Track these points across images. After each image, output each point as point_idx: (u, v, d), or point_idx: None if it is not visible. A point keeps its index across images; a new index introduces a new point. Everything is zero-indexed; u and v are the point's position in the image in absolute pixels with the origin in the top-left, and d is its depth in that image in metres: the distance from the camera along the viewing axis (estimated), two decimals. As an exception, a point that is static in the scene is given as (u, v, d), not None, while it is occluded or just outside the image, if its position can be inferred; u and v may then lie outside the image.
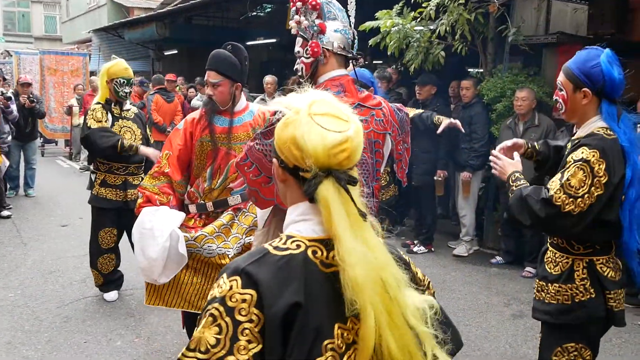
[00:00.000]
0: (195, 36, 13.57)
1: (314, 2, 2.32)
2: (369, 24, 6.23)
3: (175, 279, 3.06)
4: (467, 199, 6.07)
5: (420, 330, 1.22)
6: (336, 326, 1.20)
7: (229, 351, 1.13)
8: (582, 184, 2.16)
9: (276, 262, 1.21)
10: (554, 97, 2.47)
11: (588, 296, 2.34)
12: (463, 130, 4.98)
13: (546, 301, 2.43)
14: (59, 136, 12.93)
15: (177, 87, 10.73)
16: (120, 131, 4.46)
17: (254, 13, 11.15)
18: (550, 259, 2.46)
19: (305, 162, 1.21)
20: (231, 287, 1.17)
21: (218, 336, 1.14)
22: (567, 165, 2.22)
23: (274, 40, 11.82)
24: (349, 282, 1.17)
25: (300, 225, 1.28)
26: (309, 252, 1.23)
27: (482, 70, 6.30)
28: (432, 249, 6.24)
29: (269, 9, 11.78)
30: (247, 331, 1.14)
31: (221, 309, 1.16)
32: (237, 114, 3.16)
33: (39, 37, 31.33)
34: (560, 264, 2.40)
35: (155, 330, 4.10)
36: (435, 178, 6.08)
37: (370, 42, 6.35)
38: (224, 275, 1.20)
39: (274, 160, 1.30)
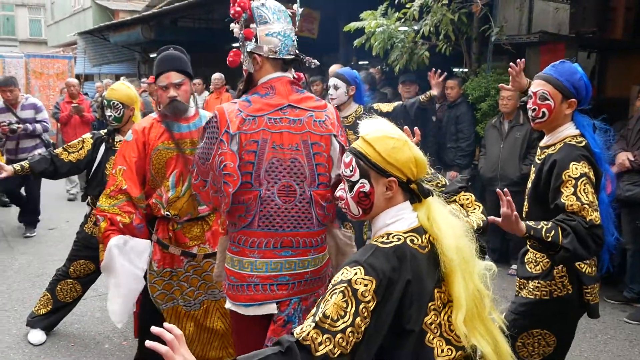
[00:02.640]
0: (181, 38, 13.50)
1: (232, 11, 2.26)
2: (354, 25, 6.28)
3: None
4: (453, 197, 6.11)
5: (483, 291, 1.62)
6: (435, 291, 1.60)
7: (351, 323, 1.45)
8: (592, 195, 2.28)
9: (386, 252, 1.56)
10: (531, 106, 2.51)
11: (565, 292, 2.47)
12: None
13: (524, 296, 2.57)
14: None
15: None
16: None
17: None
18: (530, 260, 2.59)
19: (417, 175, 1.67)
20: (356, 274, 1.50)
21: (346, 310, 1.46)
22: (574, 183, 2.28)
23: (260, 42, 11.80)
24: (445, 250, 1.58)
25: (395, 224, 1.65)
26: (408, 241, 1.60)
27: (466, 69, 6.36)
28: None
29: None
30: (364, 310, 1.47)
31: (349, 289, 1.48)
32: (192, 119, 3.01)
33: (24, 40, 31.07)
34: (540, 263, 2.53)
35: (144, 332, 4.09)
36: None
37: (355, 42, 6.40)
38: (346, 267, 1.53)
39: (391, 179, 1.64)
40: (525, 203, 2.66)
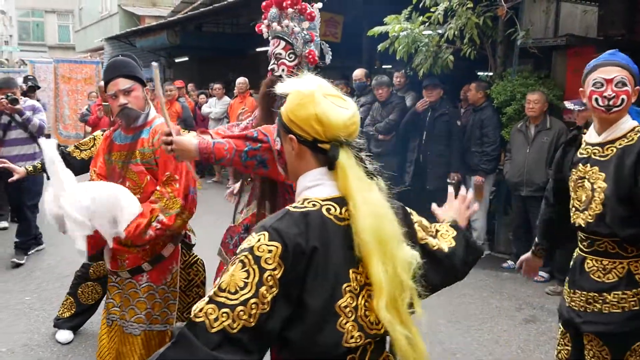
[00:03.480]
0: (206, 43, 13.68)
1: (312, 13, 2.43)
2: (378, 29, 6.27)
3: None
4: (479, 203, 6.05)
5: (404, 280, 1.45)
6: (351, 271, 1.42)
7: (254, 294, 1.30)
8: None
9: (296, 217, 1.40)
10: (608, 94, 2.28)
11: None
12: None
13: (605, 311, 2.32)
14: (72, 143, 13.08)
15: (188, 94, 10.84)
16: None
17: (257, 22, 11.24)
18: (596, 268, 2.37)
19: (325, 135, 1.46)
20: (259, 240, 1.35)
21: (246, 280, 1.31)
22: None
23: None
24: (360, 231, 1.41)
25: (314, 189, 1.49)
26: (324, 210, 1.44)
27: (491, 73, 6.31)
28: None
29: (279, 16, 11.84)
30: (270, 278, 1.32)
31: (250, 257, 1.33)
32: (140, 128, 2.75)
33: (52, 46, 31.76)
34: (613, 271, 2.32)
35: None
36: (448, 181, 6.09)
37: (379, 47, 6.39)
38: (253, 233, 1.38)
39: (290, 136, 1.48)
40: (598, 205, 2.35)
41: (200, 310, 1.30)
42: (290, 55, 2.54)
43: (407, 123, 6.45)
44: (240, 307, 1.29)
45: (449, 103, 6.35)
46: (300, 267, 1.35)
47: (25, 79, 8.70)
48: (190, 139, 2.27)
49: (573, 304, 2.45)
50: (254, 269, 1.32)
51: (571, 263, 2.55)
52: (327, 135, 1.47)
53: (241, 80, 9.20)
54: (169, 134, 2.20)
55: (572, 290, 2.46)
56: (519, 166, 5.46)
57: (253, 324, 1.30)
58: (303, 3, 2.51)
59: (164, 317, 2.78)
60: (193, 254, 2.93)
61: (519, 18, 5.79)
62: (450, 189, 2.02)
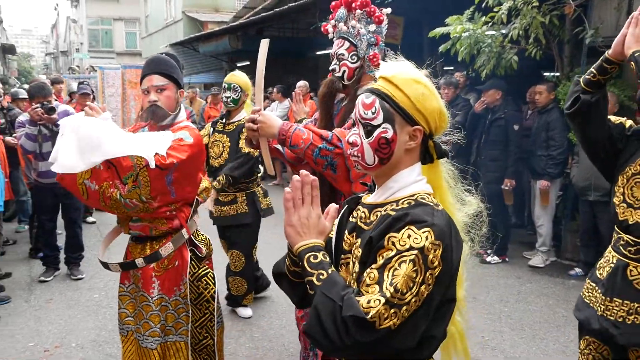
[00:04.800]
0: (267, 47, 13.87)
1: (381, 17, 2.41)
2: (439, 30, 6.18)
3: None
4: (544, 208, 5.86)
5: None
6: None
7: (416, 293, 1.30)
8: None
9: (443, 214, 1.40)
10: None
11: None
12: None
13: None
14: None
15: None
16: (207, 145, 4.31)
17: (324, 22, 11.28)
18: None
19: (438, 130, 1.50)
20: (427, 238, 1.32)
21: (414, 279, 1.30)
22: None
23: (343, 50, 11.93)
24: (458, 225, 1.48)
25: (421, 184, 1.49)
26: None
27: (558, 74, 6.09)
28: (507, 259, 6.07)
29: (338, 19, 11.88)
30: (430, 277, 1.32)
31: (420, 256, 1.31)
32: (171, 126, 2.66)
33: (120, 52, 33.02)
34: None
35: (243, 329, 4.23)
36: (502, 187, 5.93)
37: (441, 48, 6.29)
38: (412, 227, 1.34)
39: (418, 128, 1.46)
40: None
41: (377, 311, 1.27)
42: (353, 57, 2.51)
43: (468, 125, 6.33)
44: (405, 307, 1.29)
45: (510, 105, 6.17)
46: (448, 265, 1.35)
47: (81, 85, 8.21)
48: (276, 119, 2.36)
49: (608, 312, 2.30)
50: (421, 268, 1.31)
51: (606, 267, 2.37)
52: (438, 130, 1.50)
53: (301, 84, 9.27)
54: (257, 111, 2.35)
55: (608, 298, 2.31)
56: (586, 170, 5.24)
57: (406, 318, 1.30)
58: (372, 6, 2.48)
59: (178, 329, 2.71)
60: (204, 266, 2.82)
61: (587, 16, 5.57)
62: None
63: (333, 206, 1.55)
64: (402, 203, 1.43)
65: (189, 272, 2.72)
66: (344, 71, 2.53)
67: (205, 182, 2.89)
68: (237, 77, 4.27)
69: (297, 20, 12.12)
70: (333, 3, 2.58)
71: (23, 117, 5.27)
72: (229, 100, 4.23)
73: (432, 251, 1.31)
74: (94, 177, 2.43)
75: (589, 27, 5.46)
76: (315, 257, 1.40)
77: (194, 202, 2.75)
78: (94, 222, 7.68)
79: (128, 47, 33.59)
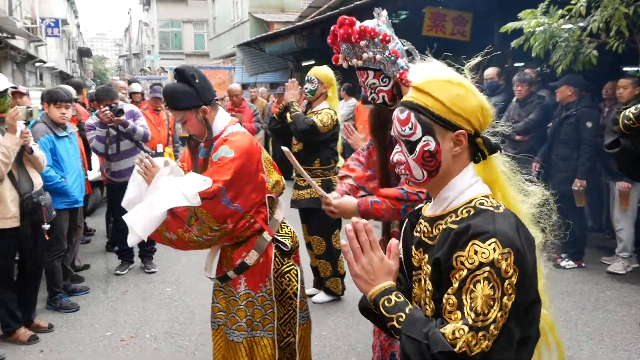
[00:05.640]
0: (331, 47, 13.90)
1: (387, 37, 2.30)
2: (511, 25, 5.98)
3: None
4: (624, 211, 5.56)
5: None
6: None
7: (499, 307, 1.26)
8: None
9: (506, 216, 1.35)
10: None
11: None
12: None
13: None
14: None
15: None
16: None
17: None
18: None
19: (483, 127, 1.44)
20: (495, 250, 1.27)
21: (494, 296, 1.26)
22: None
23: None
24: (525, 218, 1.44)
25: (479, 186, 1.44)
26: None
27: (641, 68, 5.78)
28: (583, 265, 5.79)
29: (403, 16, 11.73)
30: (509, 287, 1.27)
31: (492, 271, 1.26)
32: (214, 140, 2.69)
33: (189, 53, 34.00)
34: None
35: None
36: (573, 188, 5.67)
37: (513, 43, 6.09)
38: (476, 241, 1.28)
39: (461, 132, 1.40)
40: None
41: (464, 341, 1.24)
42: (384, 80, 2.45)
43: (542, 123, 6.12)
44: (492, 325, 1.26)
45: (584, 102, 5.90)
46: (524, 268, 1.30)
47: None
48: (350, 201, 2.49)
49: None
50: (497, 283, 1.26)
51: None
52: (484, 127, 1.44)
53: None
54: (328, 203, 2.49)
55: None
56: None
57: (497, 334, 1.27)
58: (369, 29, 2.32)
59: (265, 324, 2.76)
60: (288, 262, 2.83)
61: (675, 6, 5.24)
62: None
63: (394, 242, 1.48)
64: (462, 212, 1.38)
65: (273, 269, 2.75)
66: (383, 96, 2.48)
67: (275, 175, 2.87)
68: (317, 70, 4.62)
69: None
70: (329, 40, 2.48)
71: (92, 120, 5.47)
72: (306, 91, 4.59)
73: (504, 261, 1.26)
74: (168, 228, 2.57)
75: (677, 18, 5.14)
76: (389, 300, 1.37)
77: (267, 201, 2.75)
78: (165, 218, 7.92)
79: (196, 48, 34.55)
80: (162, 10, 35.41)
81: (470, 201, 1.39)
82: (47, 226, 4.11)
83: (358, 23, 2.36)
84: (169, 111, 7.94)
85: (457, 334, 1.24)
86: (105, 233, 6.77)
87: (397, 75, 2.36)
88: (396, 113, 1.46)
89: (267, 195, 2.75)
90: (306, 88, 4.58)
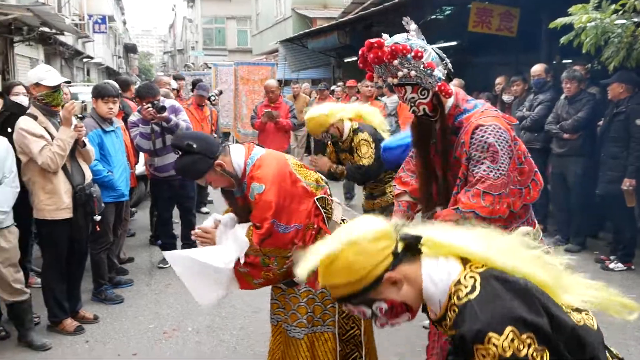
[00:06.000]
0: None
1: (419, 53, 2.33)
2: (561, 21, 5.81)
3: None
4: (677, 212, 5.36)
5: None
6: None
7: None
8: None
9: (485, 290, 1.34)
10: None
11: None
12: None
13: None
14: (249, 140, 13.98)
15: (359, 92, 11.01)
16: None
17: (433, 17, 11.02)
18: None
19: (392, 240, 1.49)
20: (495, 346, 1.26)
21: None
22: None
23: (454, 43, 11.59)
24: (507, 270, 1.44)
25: (446, 278, 1.45)
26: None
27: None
28: (633, 267, 5.61)
29: (448, 12, 11.56)
30: (533, 353, 1.26)
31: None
32: (242, 180, 2.71)
33: (232, 49, 34.34)
34: None
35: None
36: (622, 187, 5.47)
37: (562, 39, 5.92)
38: (479, 346, 1.28)
39: (388, 275, 1.44)
40: None
41: None
42: (423, 93, 2.45)
43: (592, 121, 5.95)
44: None
45: (637, 99, 5.68)
46: (535, 320, 1.30)
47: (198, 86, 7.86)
48: None
49: None
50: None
51: None
52: (391, 239, 1.46)
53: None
54: None
55: None
56: None
57: None
58: (401, 46, 2.33)
59: (325, 320, 2.80)
60: None
61: None
62: None
63: None
64: (450, 315, 1.39)
65: None
66: (424, 109, 2.49)
67: (311, 174, 2.84)
68: (312, 118, 4.30)
69: (406, 14, 11.95)
70: (360, 64, 2.52)
71: (134, 117, 5.56)
72: (325, 140, 4.50)
73: (511, 344, 1.26)
74: (253, 277, 2.66)
75: None
76: None
77: (320, 203, 2.74)
78: (207, 213, 8.03)
79: (239, 44, 34.86)
80: (206, 7, 35.88)
81: (449, 297, 1.40)
82: (98, 217, 4.24)
83: (387, 42, 2.38)
84: (212, 106, 8.10)
85: None
86: (149, 227, 6.91)
87: (436, 88, 2.37)
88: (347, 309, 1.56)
89: (315, 198, 2.74)
90: (324, 137, 4.39)
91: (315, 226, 2.69)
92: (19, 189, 3.83)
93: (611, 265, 5.61)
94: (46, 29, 13.72)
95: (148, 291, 5.09)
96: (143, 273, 5.57)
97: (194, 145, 2.61)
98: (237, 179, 2.69)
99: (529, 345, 1.25)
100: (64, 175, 4.01)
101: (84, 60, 25.79)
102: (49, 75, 4.03)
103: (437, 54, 2.47)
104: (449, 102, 2.50)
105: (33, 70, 4.19)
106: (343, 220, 2.85)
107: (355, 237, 1.42)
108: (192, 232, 2.82)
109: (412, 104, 2.49)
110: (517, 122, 4.78)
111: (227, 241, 2.66)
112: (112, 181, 4.74)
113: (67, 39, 18.94)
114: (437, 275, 1.43)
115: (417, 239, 1.46)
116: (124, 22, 52.93)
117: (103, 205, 4.37)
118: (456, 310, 1.36)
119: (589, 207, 6.16)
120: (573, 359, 1.35)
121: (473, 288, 1.35)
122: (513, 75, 7.53)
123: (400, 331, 4.14)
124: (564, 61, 8.44)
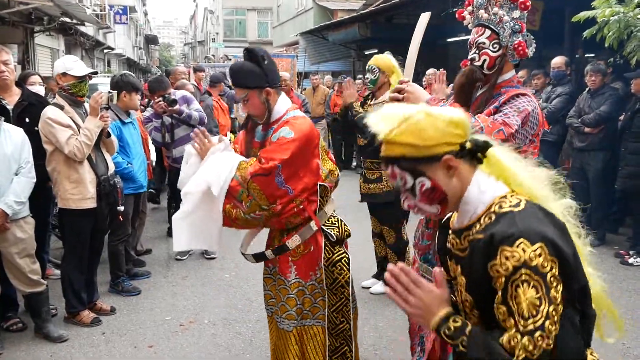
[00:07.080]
0: (396, 35, 13.69)
1: (526, 2, 2.31)
2: (584, 14, 5.72)
3: None
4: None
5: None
6: None
7: (549, 303, 1.29)
8: None
9: (527, 211, 1.37)
10: None
11: None
12: None
13: None
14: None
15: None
16: None
17: (455, 9, 10.94)
18: None
19: (465, 133, 1.44)
20: (523, 250, 1.29)
21: (539, 295, 1.29)
22: None
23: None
24: (547, 198, 1.48)
25: (493, 189, 1.45)
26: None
27: None
28: (653, 263, 5.53)
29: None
30: (552, 278, 1.30)
31: (529, 271, 1.29)
32: (273, 124, 2.70)
33: (252, 41, 34.29)
34: None
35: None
36: None
37: (585, 33, 5.82)
38: (505, 247, 1.31)
39: (445, 158, 1.42)
40: None
41: (521, 348, 1.29)
42: (495, 45, 2.40)
43: (615, 115, 5.86)
44: (547, 322, 1.29)
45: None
46: (563, 254, 1.32)
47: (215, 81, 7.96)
48: (425, 92, 2.49)
49: None
50: (538, 281, 1.29)
51: None
52: (464, 135, 1.45)
53: (430, 72, 9.04)
54: (406, 82, 2.45)
55: None
56: None
57: (556, 323, 1.31)
58: None
59: (315, 313, 2.79)
60: (338, 250, 2.81)
61: None
62: None
63: (437, 270, 1.49)
64: (484, 220, 1.41)
65: (324, 257, 2.77)
66: (485, 60, 2.42)
67: (329, 164, 2.85)
68: (378, 59, 4.47)
69: (427, 7, 11.84)
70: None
71: (147, 112, 5.64)
72: (367, 81, 4.53)
73: (537, 257, 1.29)
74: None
75: None
76: (449, 328, 1.40)
77: (320, 190, 2.74)
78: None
79: (260, 36, 34.85)
80: (228, -2, 35.94)
81: (489, 207, 1.42)
82: (121, 208, 4.30)
83: None
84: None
85: (512, 342, 1.30)
86: (167, 218, 6.97)
87: (515, 45, 2.39)
88: (387, 172, 1.52)
89: (320, 183, 2.73)
90: (367, 78, 4.50)
91: (301, 207, 2.65)
92: (35, 180, 3.85)
93: (630, 260, 5.53)
94: (67, 19, 13.80)
95: (165, 283, 5.14)
96: (160, 265, 5.63)
97: (265, 62, 2.62)
98: (270, 118, 2.69)
99: (551, 268, 1.29)
100: (89, 165, 4.07)
101: (105, 51, 26.02)
102: (76, 65, 4.11)
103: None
104: (508, 74, 2.46)
105: (60, 60, 4.25)
106: (333, 215, 2.86)
107: (436, 112, 1.44)
108: (194, 132, 2.73)
109: (478, 50, 2.44)
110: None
111: (215, 161, 2.61)
112: (131, 173, 4.80)
113: (88, 29, 19.11)
114: (485, 185, 1.46)
115: (485, 147, 1.46)
116: (145, 13, 53.28)
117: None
118: (492, 217, 1.39)
119: (608, 202, 6.08)
120: (580, 308, 1.38)
121: (518, 204, 1.39)
122: (534, 69, 7.43)
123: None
124: (586, 55, 8.31)
